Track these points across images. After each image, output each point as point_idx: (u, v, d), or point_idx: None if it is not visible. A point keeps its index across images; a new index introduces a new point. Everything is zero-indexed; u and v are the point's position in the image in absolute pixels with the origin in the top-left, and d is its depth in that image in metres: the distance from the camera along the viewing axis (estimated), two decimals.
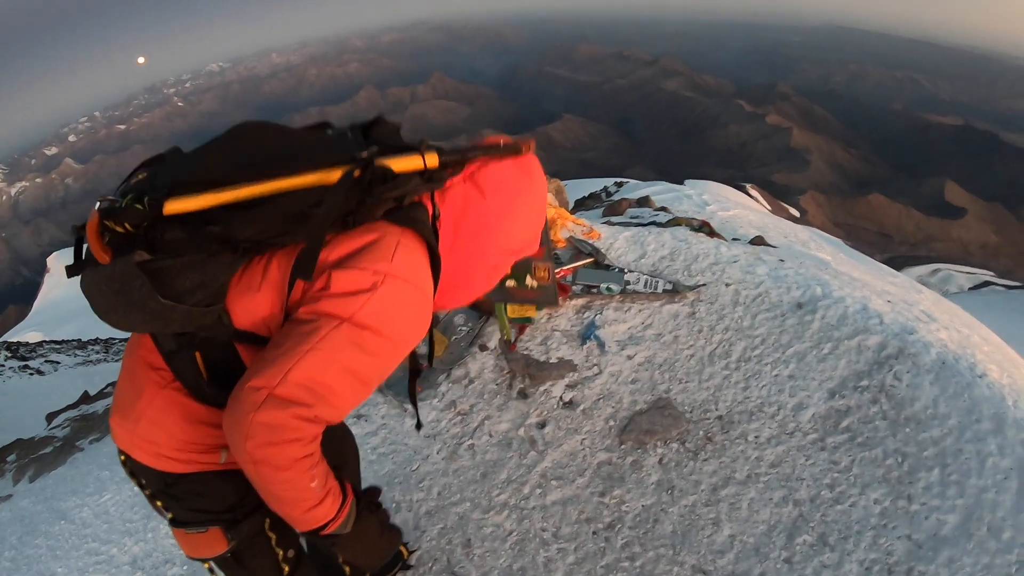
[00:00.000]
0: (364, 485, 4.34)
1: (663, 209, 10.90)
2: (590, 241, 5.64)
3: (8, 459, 7.30)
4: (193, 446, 1.63)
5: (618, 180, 22.45)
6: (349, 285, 1.45)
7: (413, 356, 2.19)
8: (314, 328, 1.42)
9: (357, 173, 1.43)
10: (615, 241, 5.80)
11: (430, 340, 2.13)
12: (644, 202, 12.47)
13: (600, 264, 5.30)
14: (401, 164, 1.52)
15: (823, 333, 4.52)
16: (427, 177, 1.59)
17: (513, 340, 4.61)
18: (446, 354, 4.79)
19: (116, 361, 18.92)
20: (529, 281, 3.62)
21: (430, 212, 1.70)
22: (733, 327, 4.70)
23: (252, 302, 1.51)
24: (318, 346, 1.40)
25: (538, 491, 3.78)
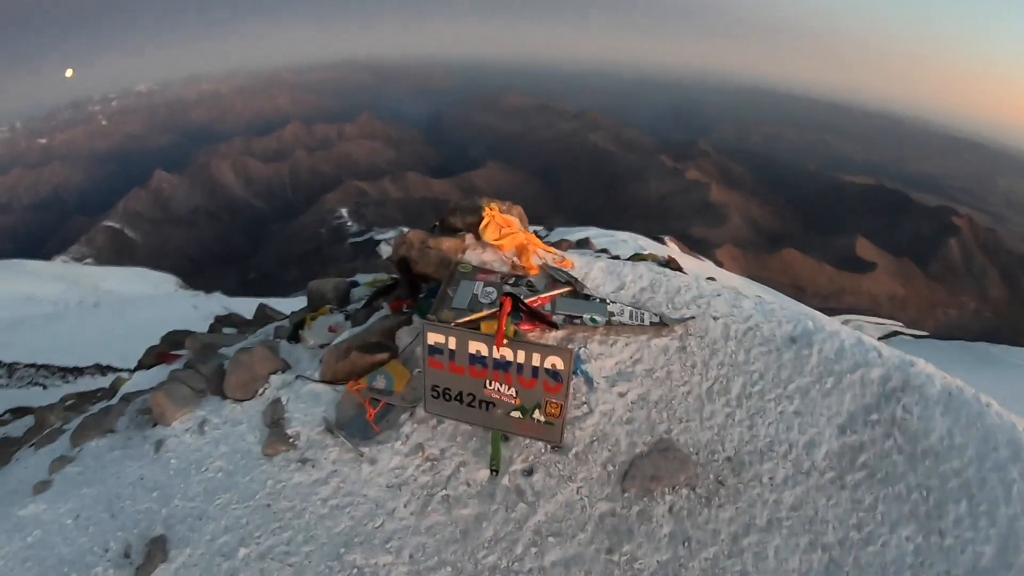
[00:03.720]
0: (317, 544, 3.62)
1: (604, 251, 10.73)
2: (564, 270, 5.21)
3: None
4: None
5: (542, 229, 22.18)
6: None
7: None
8: None
9: None
10: (590, 271, 5.39)
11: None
12: (584, 244, 12.30)
13: (578, 294, 4.87)
14: None
15: (823, 367, 4.24)
16: None
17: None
18: (408, 389, 4.15)
19: (19, 388, 17.04)
20: (537, 415, 3.17)
21: None
22: (728, 362, 4.34)
23: None
24: None
25: (533, 550, 3.18)
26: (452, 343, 3.12)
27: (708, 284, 5.32)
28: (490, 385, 3.16)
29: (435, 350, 3.17)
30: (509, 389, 3.12)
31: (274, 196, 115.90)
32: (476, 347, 3.08)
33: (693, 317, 4.75)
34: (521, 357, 3.02)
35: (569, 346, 4.46)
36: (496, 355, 3.06)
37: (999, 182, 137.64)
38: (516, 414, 3.18)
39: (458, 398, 3.27)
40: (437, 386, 3.28)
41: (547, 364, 3.01)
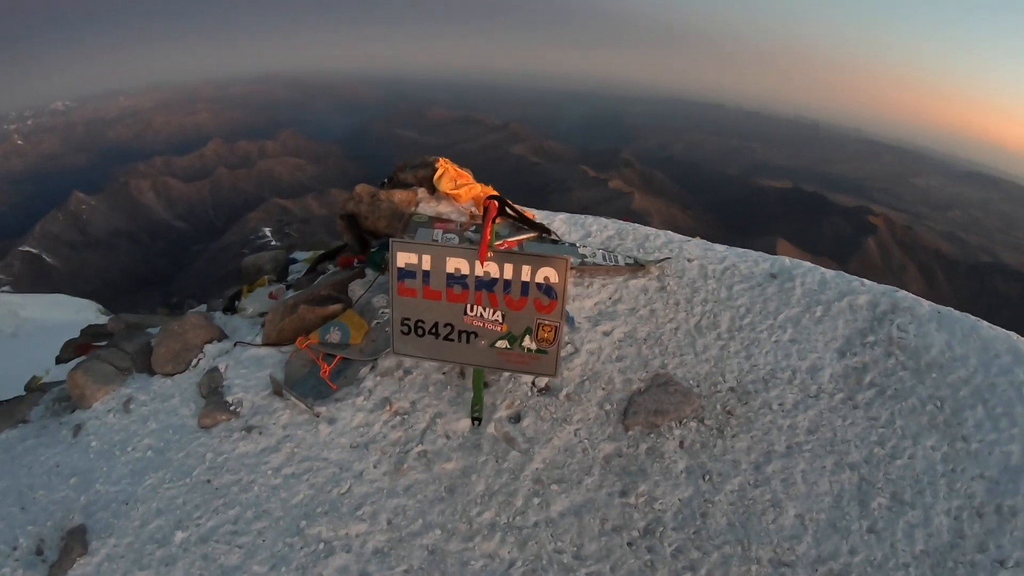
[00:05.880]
0: (272, 519, 3.03)
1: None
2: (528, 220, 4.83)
3: None
4: None
5: None
6: None
7: None
8: None
9: None
10: (551, 222, 5.07)
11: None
12: None
13: (546, 239, 4.51)
14: None
15: (809, 298, 4.06)
16: None
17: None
18: (367, 341, 3.64)
19: None
20: (527, 343, 2.73)
21: None
22: (711, 299, 4.08)
23: None
24: None
25: (536, 501, 2.74)
26: (427, 262, 2.66)
27: (675, 233, 5.14)
28: (471, 311, 2.71)
29: (406, 273, 2.70)
30: (494, 314, 2.69)
31: (196, 216, 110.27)
32: (455, 265, 2.63)
33: (668, 258, 4.49)
34: (509, 271, 2.60)
35: None
36: (479, 272, 2.62)
37: (916, 182, 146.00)
38: (502, 344, 2.75)
39: (433, 331, 2.80)
40: (407, 319, 2.80)
41: (539, 278, 2.60)
